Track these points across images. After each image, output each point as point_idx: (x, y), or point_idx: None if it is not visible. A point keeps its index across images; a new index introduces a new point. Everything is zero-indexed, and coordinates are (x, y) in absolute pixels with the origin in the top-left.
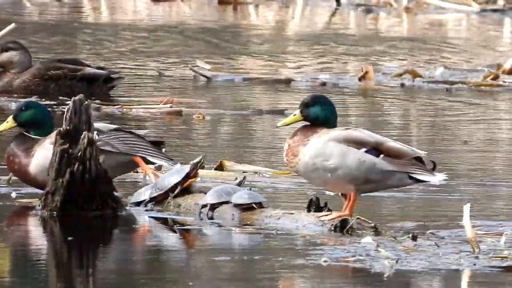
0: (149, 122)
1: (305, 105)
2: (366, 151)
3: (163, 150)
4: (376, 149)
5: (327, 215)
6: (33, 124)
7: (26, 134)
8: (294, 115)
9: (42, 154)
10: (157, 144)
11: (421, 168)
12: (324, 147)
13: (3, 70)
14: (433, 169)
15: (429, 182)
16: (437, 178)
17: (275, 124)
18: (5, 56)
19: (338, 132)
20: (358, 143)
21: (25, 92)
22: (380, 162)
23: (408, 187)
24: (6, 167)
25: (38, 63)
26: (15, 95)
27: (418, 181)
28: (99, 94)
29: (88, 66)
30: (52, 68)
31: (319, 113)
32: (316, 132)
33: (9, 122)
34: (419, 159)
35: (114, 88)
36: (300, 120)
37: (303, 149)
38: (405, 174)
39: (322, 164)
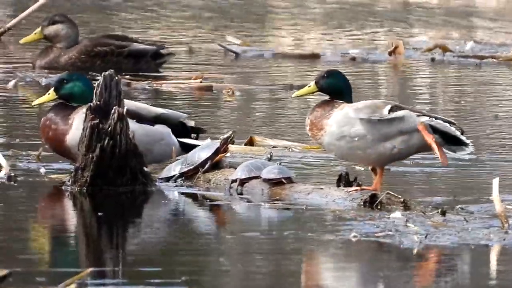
0: (179, 98)
1: (320, 77)
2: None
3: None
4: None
5: (357, 190)
6: (75, 97)
7: (66, 103)
8: (309, 86)
9: (81, 124)
10: (197, 131)
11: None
12: (349, 115)
13: (49, 45)
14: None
15: (455, 136)
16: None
17: (298, 97)
18: (52, 29)
19: (357, 103)
20: (379, 107)
21: (71, 68)
22: (408, 113)
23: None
24: (37, 141)
25: (86, 40)
26: (60, 71)
27: (445, 138)
28: (146, 70)
29: (136, 41)
30: (99, 45)
31: (334, 84)
32: (336, 107)
33: (51, 94)
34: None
35: (164, 64)
36: (314, 91)
37: (328, 121)
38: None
39: (349, 131)
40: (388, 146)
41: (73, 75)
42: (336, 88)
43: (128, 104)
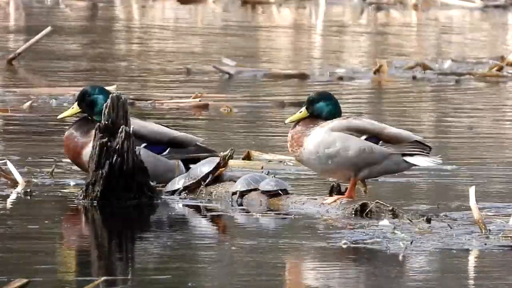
0: (179, 116)
1: (310, 102)
2: (366, 139)
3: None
4: (376, 137)
5: (335, 200)
6: (96, 109)
7: (89, 118)
8: (301, 112)
9: None
10: (209, 152)
11: (417, 148)
12: (326, 136)
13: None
14: (429, 152)
15: (419, 166)
16: (429, 161)
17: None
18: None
19: (339, 121)
20: (358, 131)
21: None
22: (379, 148)
23: (421, 172)
24: (50, 159)
25: None
26: None
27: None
28: None
29: None
30: None
31: (324, 108)
32: (318, 124)
33: (74, 108)
34: (419, 143)
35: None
36: (306, 117)
37: (306, 139)
38: (401, 159)
39: (324, 152)
40: (351, 174)
41: (95, 89)
42: (327, 112)
43: (144, 125)
